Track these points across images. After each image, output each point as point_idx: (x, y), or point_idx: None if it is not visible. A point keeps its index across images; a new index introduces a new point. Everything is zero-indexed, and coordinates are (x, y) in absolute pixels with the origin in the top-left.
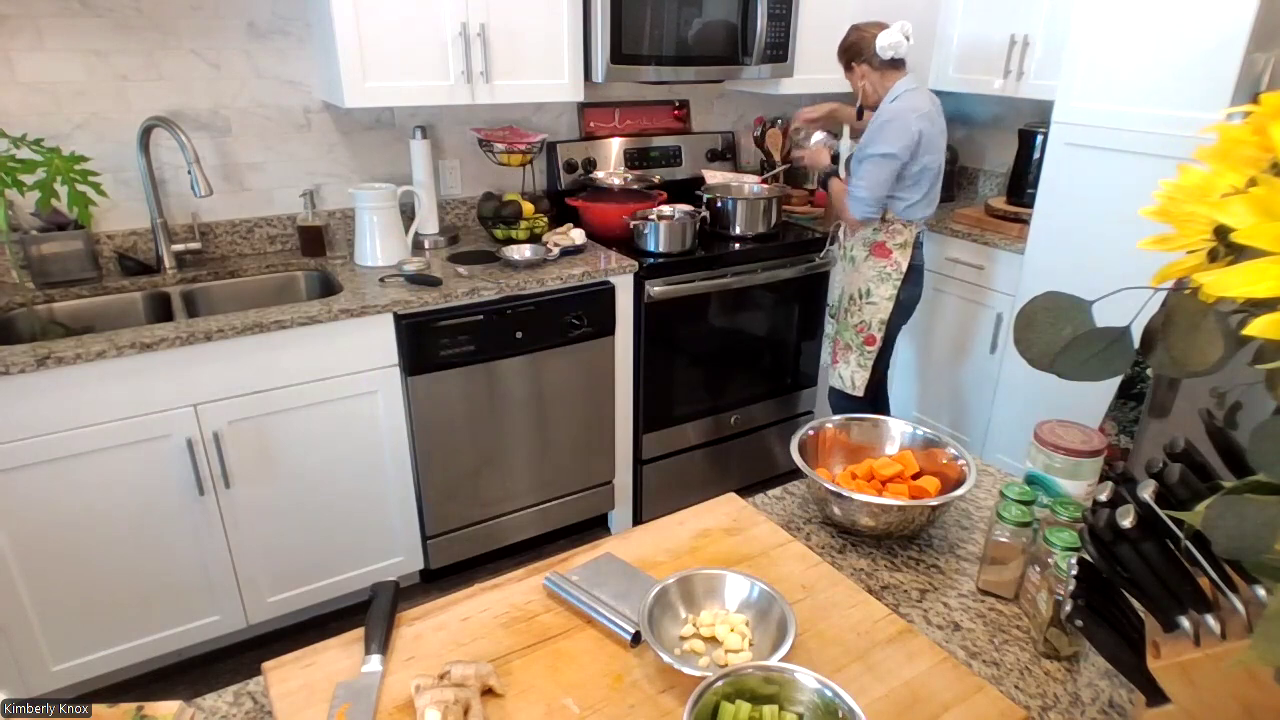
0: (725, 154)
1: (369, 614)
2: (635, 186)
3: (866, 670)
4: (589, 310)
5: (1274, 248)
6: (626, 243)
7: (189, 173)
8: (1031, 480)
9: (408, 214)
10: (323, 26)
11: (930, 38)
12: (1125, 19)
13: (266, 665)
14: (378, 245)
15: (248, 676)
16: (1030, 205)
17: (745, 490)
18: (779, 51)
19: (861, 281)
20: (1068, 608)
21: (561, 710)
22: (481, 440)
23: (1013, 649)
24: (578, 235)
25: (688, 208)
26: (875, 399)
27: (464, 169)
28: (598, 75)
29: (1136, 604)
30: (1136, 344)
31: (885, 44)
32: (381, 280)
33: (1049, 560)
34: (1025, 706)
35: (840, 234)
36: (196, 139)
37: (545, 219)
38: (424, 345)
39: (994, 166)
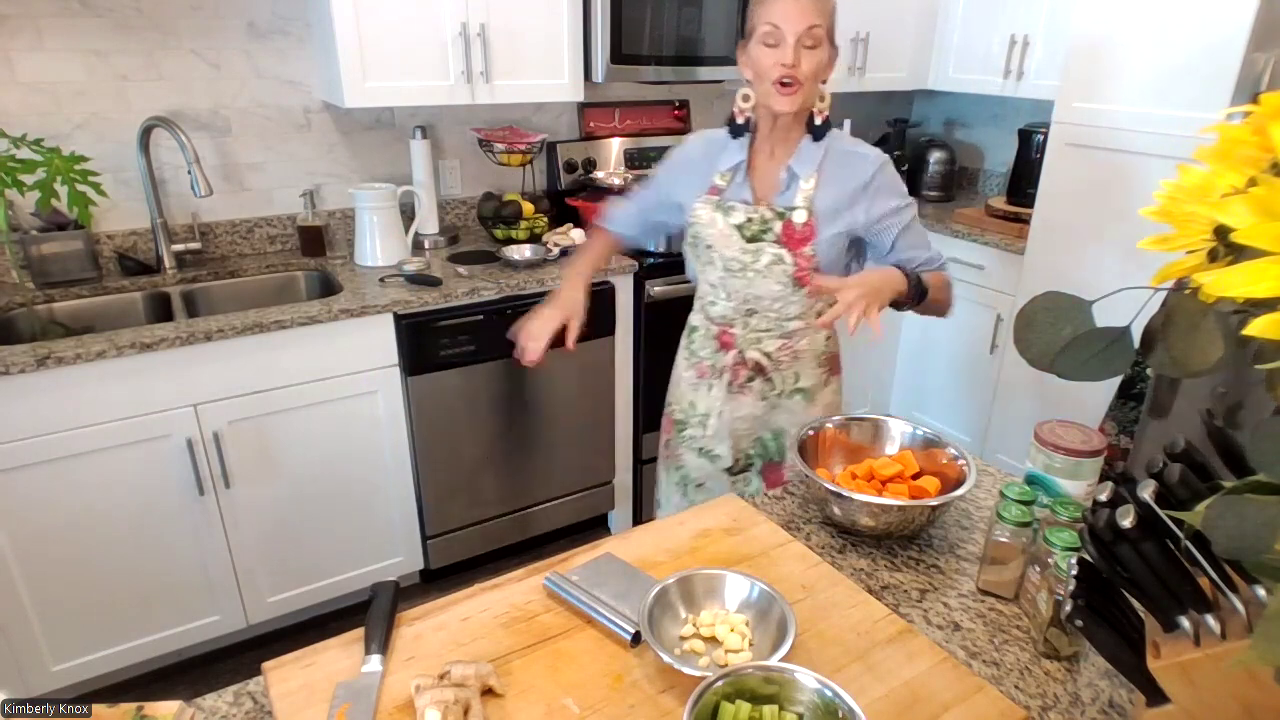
0: None
1: (369, 614)
2: (635, 187)
3: (866, 670)
4: (589, 310)
5: (1274, 248)
6: None
7: (189, 173)
8: (1031, 480)
9: (408, 214)
10: (323, 26)
11: (930, 38)
12: (1125, 19)
13: (266, 665)
14: (378, 245)
15: (248, 676)
16: (1030, 205)
17: None
18: None
19: (819, 411)
20: (1068, 608)
21: (561, 710)
22: (481, 440)
23: (1013, 649)
24: (578, 235)
25: None
26: None
27: (464, 169)
28: (598, 75)
29: (1136, 604)
30: (1136, 344)
31: None
32: (381, 280)
33: (1049, 560)
34: (1025, 706)
35: (765, 359)
36: (196, 139)
37: (545, 219)
38: (424, 345)
39: (994, 166)
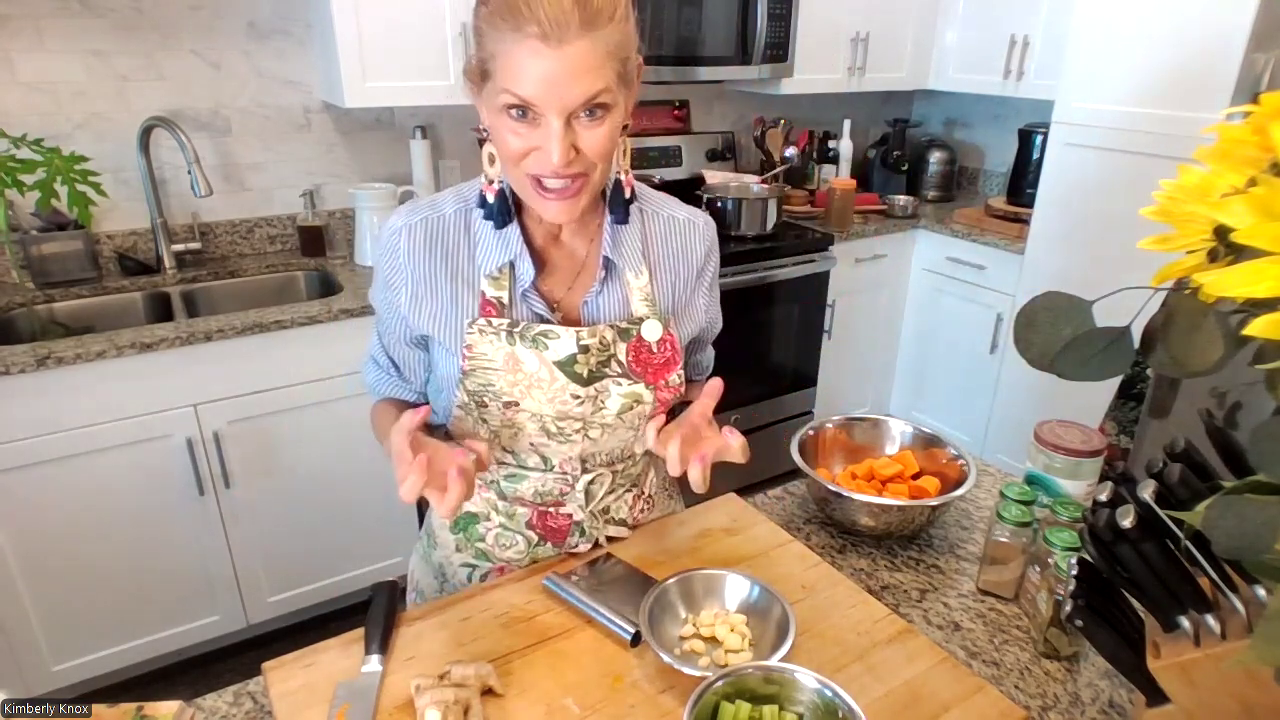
0: (725, 154)
1: (369, 614)
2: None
3: (866, 670)
4: None
5: (1274, 248)
6: None
7: (189, 173)
8: (1031, 480)
9: None
10: (323, 26)
11: (930, 38)
12: (1125, 19)
13: (266, 665)
14: None
15: (248, 676)
16: (1030, 205)
17: (745, 490)
18: (779, 51)
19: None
20: (1068, 608)
21: (561, 710)
22: None
23: (1013, 649)
24: None
25: None
26: None
27: (464, 169)
28: None
29: (1136, 604)
30: (1136, 344)
31: None
32: None
33: (1049, 560)
34: (1025, 706)
35: (622, 529)
36: (196, 139)
37: None
38: None
39: (994, 166)
